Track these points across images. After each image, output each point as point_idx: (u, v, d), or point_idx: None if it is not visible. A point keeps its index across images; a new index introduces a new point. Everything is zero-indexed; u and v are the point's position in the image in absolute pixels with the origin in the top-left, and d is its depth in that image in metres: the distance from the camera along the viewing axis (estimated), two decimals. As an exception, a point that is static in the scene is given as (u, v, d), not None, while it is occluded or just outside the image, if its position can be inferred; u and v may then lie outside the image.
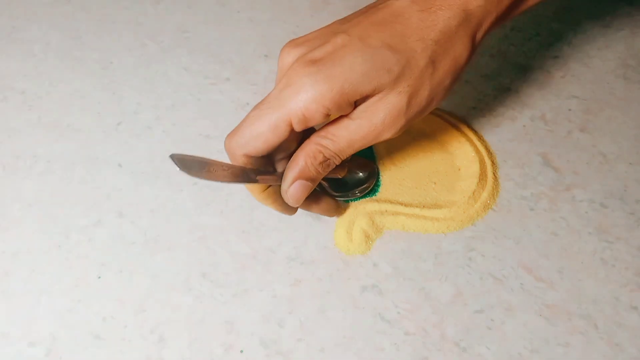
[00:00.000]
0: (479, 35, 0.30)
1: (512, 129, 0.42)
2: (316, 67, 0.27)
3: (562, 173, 0.39)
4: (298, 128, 0.28)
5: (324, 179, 0.33)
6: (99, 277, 0.34)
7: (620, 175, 0.39)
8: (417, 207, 0.37)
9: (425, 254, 0.35)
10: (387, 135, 0.30)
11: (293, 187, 0.30)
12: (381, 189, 0.38)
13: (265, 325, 0.32)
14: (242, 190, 0.38)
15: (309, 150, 0.30)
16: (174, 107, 0.43)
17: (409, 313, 0.33)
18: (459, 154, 0.39)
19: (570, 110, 0.43)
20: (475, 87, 0.45)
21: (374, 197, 0.37)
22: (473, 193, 0.37)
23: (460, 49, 0.30)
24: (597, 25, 0.49)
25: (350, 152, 0.30)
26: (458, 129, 0.41)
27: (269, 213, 0.37)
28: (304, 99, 0.27)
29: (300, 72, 0.27)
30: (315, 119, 0.28)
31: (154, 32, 0.49)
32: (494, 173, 0.39)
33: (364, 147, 0.30)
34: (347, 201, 0.37)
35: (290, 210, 0.33)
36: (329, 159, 0.30)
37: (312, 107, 0.27)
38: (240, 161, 0.29)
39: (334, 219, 0.36)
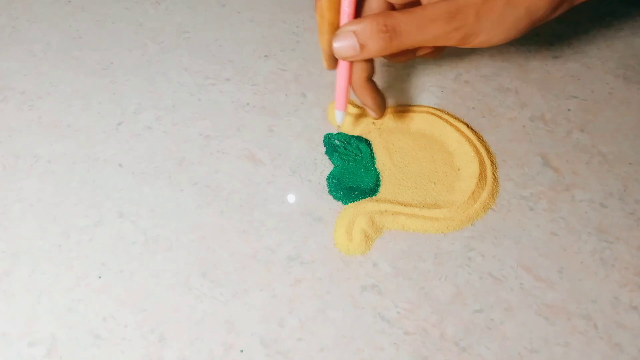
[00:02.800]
0: None
1: (512, 129, 0.42)
2: None
3: (562, 173, 0.39)
4: None
5: None
6: (99, 277, 0.34)
7: (620, 175, 0.39)
8: (416, 207, 0.37)
9: (425, 253, 0.35)
10: (454, 26, 0.29)
11: (342, 41, 0.30)
12: (381, 189, 0.38)
13: (265, 325, 0.32)
14: (242, 190, 0.38)
15: (378, 14, 0.30)
16: (174, 107, 0.43)
17: (408, 313, 0.33)
18: (459, 154, 0.40)
19: (570, 110, 0.43)
20: (475, 87, 0.45)
21: (374, 197, 0.37)
22: (473, 193, 0.37)
23: None
24: (597, 25, 0.49)
25: (417, 34, 0.30)
26: (458, 129, 0.41)
27: (269, 213, 0.37)
28: None
29: None
30: None
31: (154, 32, 0.49)
32: (493, 173, 0.39)
33: (431, 38, 0.30)
34: (347, 202, 0.37)
35: (378, 109, 0.35)
36: (389, 30, 0.30)
37: None
38: None
39: (334, 219, 0.36)
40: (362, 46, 0.31)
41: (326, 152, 0.40)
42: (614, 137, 0.41)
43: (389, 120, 0.41)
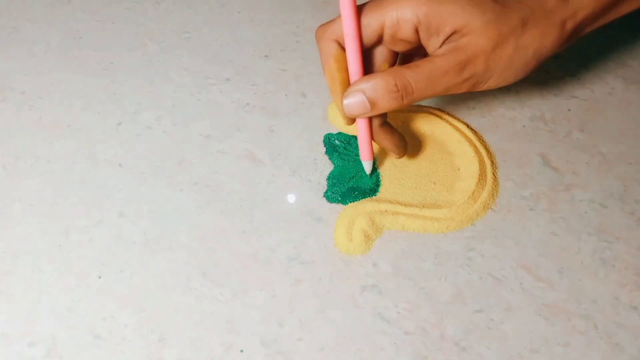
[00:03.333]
0: (570, 24, 0.31)
1: (512, 129, 0.42)
2: None
3: (562, 173, 0.39)
4: (387, 36, 0.30)
5: None
6: (99, 277, 0.34)
7: (620, 175, 0.39)
8: (416, 207, 0.37)
9: (425, 253, 0.35)
10: (465, 77, 0.30)
11: (352, 99, 0.31)
12: (381, 189, 0.38)
13: (265, 325, 0.32)
14: (242, 190, 0.38)
15: (388, 72, 0.31)
16: (174, 107, 0.43)
17: (408, 313, 0.33)
18: (459, 153, 0.40)
19: (570, 110, 0.43)
20: (475, 87, 0.45)
21: (374, 197, 0.37)
22: (472, 193, 0.37)
23: (549, 29, 0.30)
24: (597, 26, 0.49)
25: (427, 89, 0.30)
26: (458, 129, 0.41)
27: (269, 213, 0.37)
28: (402, 5, 0.29)
29: None
30: (405, 30, 0.30)
31: (154, 32, 0.49)
32: (493, 173, 0.39)
33: (442, 90, 0.30)
34: (347, 202, 0.37)
35: (399, 150, 0.35)
36: (401, 90, 0.30)
37: (406, 15, 0.29)
38: (327, 47, 0.31)
39: (334, 218, 0.36)
40: (372, 104, 0.31)
41: (326, 152, 0.40)
42: (614, 137, 0.41)
43: (389, 120, 0.41)
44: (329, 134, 0.41)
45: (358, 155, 0.39)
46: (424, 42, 0.31)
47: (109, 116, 0.43)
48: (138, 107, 0.43)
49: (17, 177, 0.39)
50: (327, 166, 0.39)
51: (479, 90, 0.32)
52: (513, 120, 0.42)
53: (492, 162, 0.39)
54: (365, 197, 0.37)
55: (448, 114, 0.42)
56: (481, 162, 0.39)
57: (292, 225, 0.36)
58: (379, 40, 0.32)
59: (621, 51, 0.47)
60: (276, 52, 0.47)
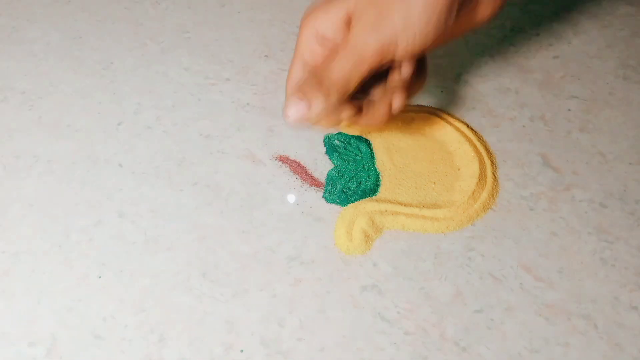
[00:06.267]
0: None
1: (512, 129, 0.42)
2: (309, 9, 0.32)
3: (562, 173, 0.39)
4: (312, 61, 0.33)
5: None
6: (99, 277, 0.34)
7: (620, 175, 0.39)
8: (416, 207, 0.37)
9: (425, 253, 0.35)
10: (360, 48, 0.31)
11: (289, 104, 0.32)
12: (381, 189, 0.38)
13: (265, 325, 0.32)
14: (242, 190, 0.38)
15: (309, 71, 0.32)
16: (174, 107, 0.43)
17: (408, 313, 0.33)
18: (459, 153, 0.40)
19: (570, 110, 0.43)
20: (475, 87, 0.45)
21: (374, 197, 0.37)
22: (472, 193, 0.37)
23: None
24: (597, 25, 0.49)
25: (339, 72, 0.32)
26: (457, 129, 0.41)
27: (269, 213, 0.37)
28: (301, 35, 0.32)
29: (302, 19, 0.33)
30: (315, 48, 0.33)
31: (154, 32, 0.49)
32: (493, 173, 0.39)
33: (349, 67, 0.31)
34: (347, 203, 0.37)
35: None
36: (321, 79, 0.32)
37: (305, 36, 0.32)
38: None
39: (334, 218, 0.36)
40: (309, 103, 0.32)
41: (326, 152, 0.40)
42: (614, 137, 0.41)
43: (389, 120, 0.41)
44: (329, 134, 0.41)
45: (358, 155, 0.39)
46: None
47: (109, 116, 0.43)
48: (138, 107, 0.43)
49: (17, 177, 0.39)
50: (327, 166, 0.39)
51: (400, 56, 0.32)
52: (513, 120, 0.42)
53: (492, 162, 0.39)
54: (365, 197, 0.37)
55: (448, 114, 0.42)
56: (481, 162, 0.39)
57: (292, 225, 0.36)
58: None
59: (621, 51, 0.47)
60: (276, 52, 0.47)
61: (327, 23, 0.32)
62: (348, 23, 0.32)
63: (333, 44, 0.33)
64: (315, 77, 0.32)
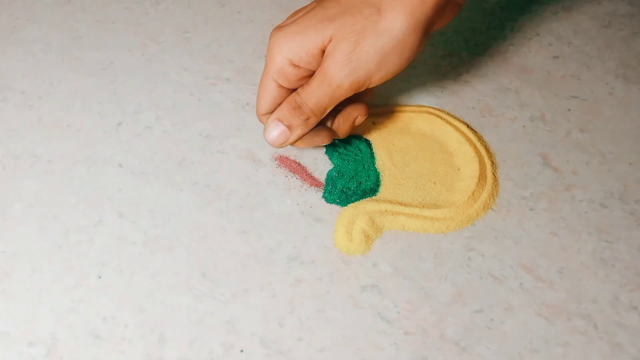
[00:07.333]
0: None
1: (512, 129, 0.42)
2: (280, 30, 0.33)
3: (562, 173, 0.39)
4: (284, 83, 0.34)
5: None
6: (99, 277, 0.34)
7: (620, 175, 0.39)
8: (416, 207, 0.37)
9: (425, 253, 0.35)
10: (337, 81, 0.33)
11: (271, 127, 0.34)
12: (381, 189, 0.38)
13: (265, 325, 0.32)
14: (242, 190, 0.38)
15: (289, 97, 0.35)
16: (174, 107, 0.43)
17: (408, 313, 0.33)
18: (459, 153, 0.40)
19: (570, 110, 0.43)
20: (475, 87, 0.45)
21: (374, 197, 0.37)
22: (472, 193, 0.37)
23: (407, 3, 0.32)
24: (597, 25, 0.49)
25: (316, 101, 0.34)
26: (457, 129, 0.41)
27: (269, 213, 0.37)
28: (272, 55, 0.33)
29: (271, 36, 0.34)
30: (288, 71, 0.33)
31: (154, 32, 0.49)
32: (493, 173, 0.39)
33: (327, 98, 0.33)
34: (347, 203, 0.37)
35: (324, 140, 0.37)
36: (300, 106, 0.34)
37: (277, 60, 0.33)
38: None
39: (334, 218, 0.36)
40: (289, 127, 0.34)
41: (326, 152, 0.40)
42: (614, 137, 0.41)
43: (389, 120, 0.41)
44: (329, 134, 0.41)
45: (358, 155, 0.39)
46: (306, 67, 0.34)
47: (109, 116, 0.43)
48: (138, 107, 0.43)
49: (17, 177, 0.39)
50: (327, 166, 0.39)
51: (372, 86, 0.34)
52: (513, 120, 0.42)
53: (492, 162, 0.39)
54: (365, 197, 0.37)
55: (448, 114, 0.42)
56: (481, 162, 0.39)
57: (292, 225, 0.36)
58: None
59: (621, 51, 0.47)
60: (276, 52, 0.47)
61: (301, 51, 0.33)
62: (323, 50, 0.33)
63: (306, 69, 0.34)
64: (293, 102, 0.34)
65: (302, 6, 0.36)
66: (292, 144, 0.36)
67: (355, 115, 0.37)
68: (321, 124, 0.36)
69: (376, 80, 0.33)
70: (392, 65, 0.33)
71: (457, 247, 0.36)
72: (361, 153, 0.40)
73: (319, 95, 0.33)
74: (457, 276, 0.34)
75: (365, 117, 0.38)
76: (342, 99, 0.34)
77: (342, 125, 0.37)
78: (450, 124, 0.41)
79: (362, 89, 0.34)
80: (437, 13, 0.33)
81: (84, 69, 0.46)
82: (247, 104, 0.43)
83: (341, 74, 0.32)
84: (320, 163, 0.40)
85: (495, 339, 0.32)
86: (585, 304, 0.33)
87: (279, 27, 0.34)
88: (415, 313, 0.33)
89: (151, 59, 0.47)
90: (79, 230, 0.36)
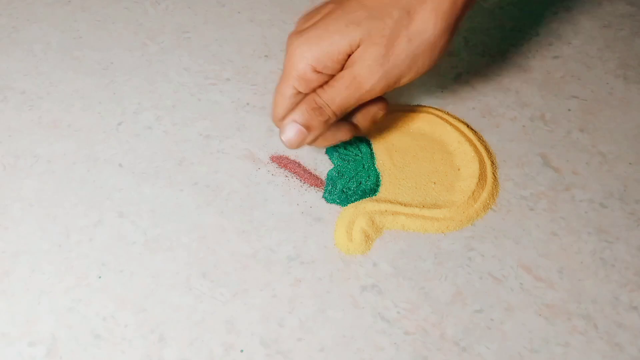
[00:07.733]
0: None
1: (512, 129, 0.42)
2: (301, 35, 0.32)
3: (562, 173, 0.39)
4: (304, 89, 0.33)
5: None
6: (99, 277, 0.34)
7: (620, 175, 0.39)
8: (416, 207, 0.37)
9: (425, 253, 0.35)
10: (368, 85, 0.32)
11: (288, 128, 0.33)
12: (381, 189, 0.38)
13: (265, 325, 0.32)
14: (242, 190, 0.38)
15: (308, 97, 0.33)
16: (174, 107, 0.43)
17: (408, 313, 0.33)
18: (459, 153, 0.40)
19: (570, 110, 0.43)
20: (475, 87, 0.45)
21: (374, 197, 0.37)
22: (472, 193, 0.37)
23: (439, 5, 0.31)
24: (597, 25, 0.49)
25: (341, 103, 0.33)
26: (457, 129, 0.41)
27: (269, 213, 0.37)
28: (293, 62, 0.32)
29: (290, 42, 0.32)
30: (310, 77, 0.32)
31: (154, 32, 0.49)
32: (493, 173, 0.39)
33: (353, 100, 0.33)
34: (347, 203, 0.37)
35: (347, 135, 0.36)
36: (321, 107, 0.33)
37: (299, 67, 0.32)
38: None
39: (334, 218, 0.36)
40: (308, 127, 0.33)
41: (326, 152, 0.40)
42: (614, 137, 0.41)
43: (389, 120, 0.41)
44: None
45: (358, 155, 0.39)
46: (329, 72, 0.33)
47: (109, 116, 0.43)
48: (138, 107, 0.43)
49: (17, 177, 0.39)
50: (327, 166, 0.39)
51: (400, 85, 0.33)
52: (513, 120, 0.42)
53: (492, 162, 0.39)
54: (365, 197, 0.37)
55: (448, 114, 0.42)
56: (481, 162, 0.39)
57: (292, 225, 0.36)
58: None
59: (621, 51, 0.47)
60: (276, 52, 0.47)
61: (326, 58, 0.32)
62: (349, 55, 0.32)
63: (328, 75, 0.33)
64: (313, 103, 0.33)
65: (312, 8, 0.35)
66: (310, 143, 0.35)
67: (374, 110, 0.36)
68: (342, 120, 0.36)
69: (405, 81, 0.33)
70: (422, 67, 0.33)
71: (457, 247, 0.36)
72: (361, 153, 0.40)
73: (344, 97, 0.33)
74: (457, 276, 0.34)
75: (385, 112, 0.36)
76: (367, 100, 0.34)
77: (361, 121, 0.36)
78: (450, 124, 0.41)
79: (390, 90, 0.33)
80: (466, 11, 0.32)
81: (84, 69, 0.46)
82: (247, 104, 0.43)
83: (373, 79, 0.32)
84: (320, 163, 0.40)
85: (495, 339, 0.32)
86: (585, 304, 0.33)
87: (299, 33, 0.32)
88: (415, 313, 0.33)
89: (151, 59, 0.47)
90: (79, 230, 0.36)
